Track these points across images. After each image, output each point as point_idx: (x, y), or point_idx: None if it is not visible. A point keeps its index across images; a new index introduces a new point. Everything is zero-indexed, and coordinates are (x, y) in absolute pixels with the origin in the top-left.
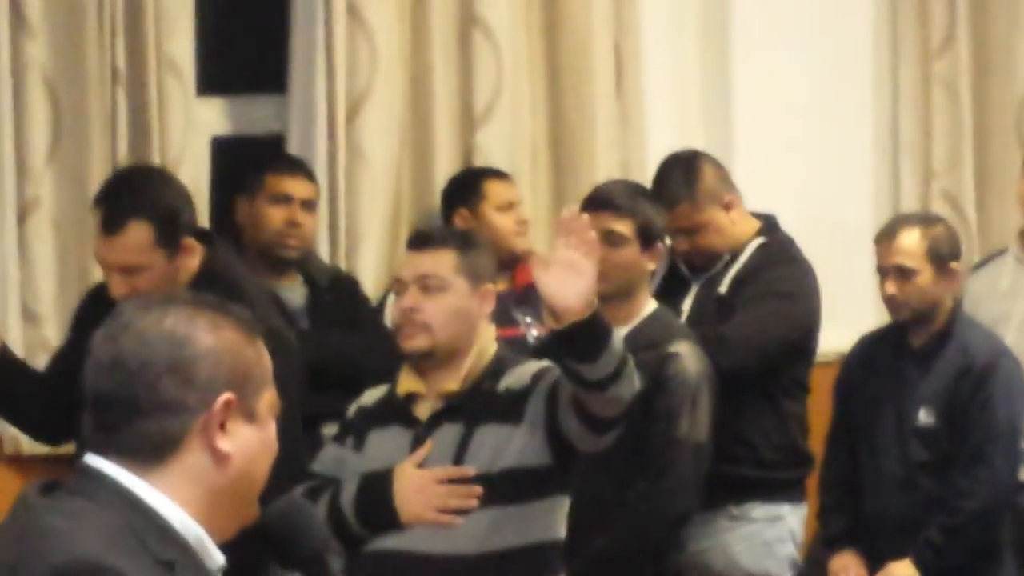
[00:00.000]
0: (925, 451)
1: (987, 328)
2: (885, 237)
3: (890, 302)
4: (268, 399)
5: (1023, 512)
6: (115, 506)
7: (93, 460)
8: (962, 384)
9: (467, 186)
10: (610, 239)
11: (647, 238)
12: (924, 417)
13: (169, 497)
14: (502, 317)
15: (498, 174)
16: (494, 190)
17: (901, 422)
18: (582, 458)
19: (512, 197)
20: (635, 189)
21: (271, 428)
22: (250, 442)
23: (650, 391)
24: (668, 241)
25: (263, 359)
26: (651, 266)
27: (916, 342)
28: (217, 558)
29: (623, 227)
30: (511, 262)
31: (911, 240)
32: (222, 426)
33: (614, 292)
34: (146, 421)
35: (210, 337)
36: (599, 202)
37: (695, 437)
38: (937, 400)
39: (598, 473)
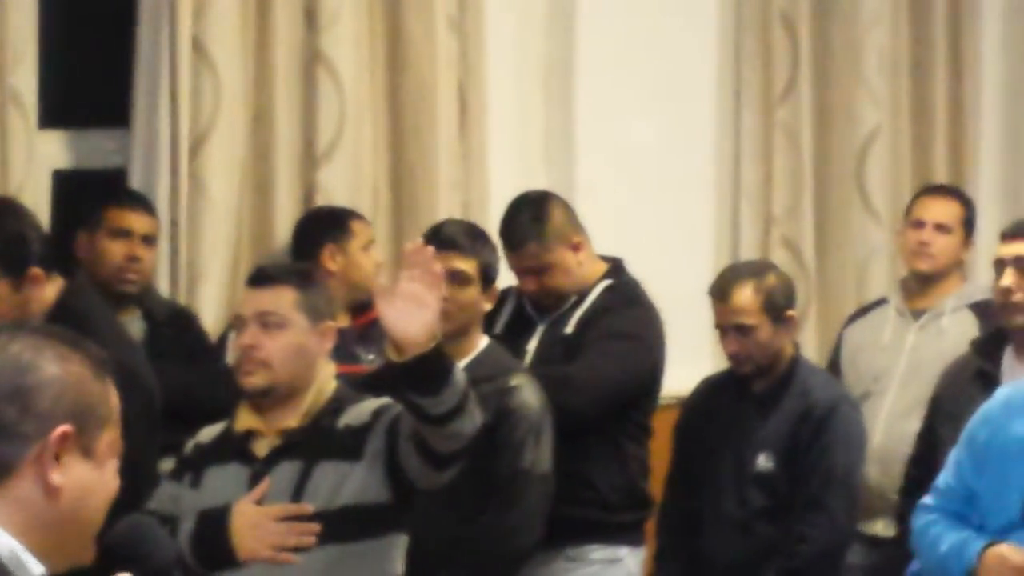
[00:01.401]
0: (763, 496)
1: (828, 374)
2: (719, 294)
3: (732, 358)
4: (109, 438)
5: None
6: None
7: None
8: (802, 429)
9: (335, 223)
10: (457, 279)
11: (487, 279)
12: (763, 462)
13: None
14: (344, 354)
15: (359, 215)
16: (360, 229)
17: (740, 467)
18: (424, 494)
19: (372, 238)
20: (475, 230)
21: (110, 468)
22: (84, 478)
23: (493, 424)
24: (517, 282)
25: (109, 398)
26: (488, 306)
27: (756, 387)
28: (34, 570)
29: (468, 267)
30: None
31: (745, 297)
32: (57, 458)
33: (454, 331)
34: None
35: (55, 368)
36: (445, 242)
37: (540, 468)
38: (776, 445)
39: (443, 507)
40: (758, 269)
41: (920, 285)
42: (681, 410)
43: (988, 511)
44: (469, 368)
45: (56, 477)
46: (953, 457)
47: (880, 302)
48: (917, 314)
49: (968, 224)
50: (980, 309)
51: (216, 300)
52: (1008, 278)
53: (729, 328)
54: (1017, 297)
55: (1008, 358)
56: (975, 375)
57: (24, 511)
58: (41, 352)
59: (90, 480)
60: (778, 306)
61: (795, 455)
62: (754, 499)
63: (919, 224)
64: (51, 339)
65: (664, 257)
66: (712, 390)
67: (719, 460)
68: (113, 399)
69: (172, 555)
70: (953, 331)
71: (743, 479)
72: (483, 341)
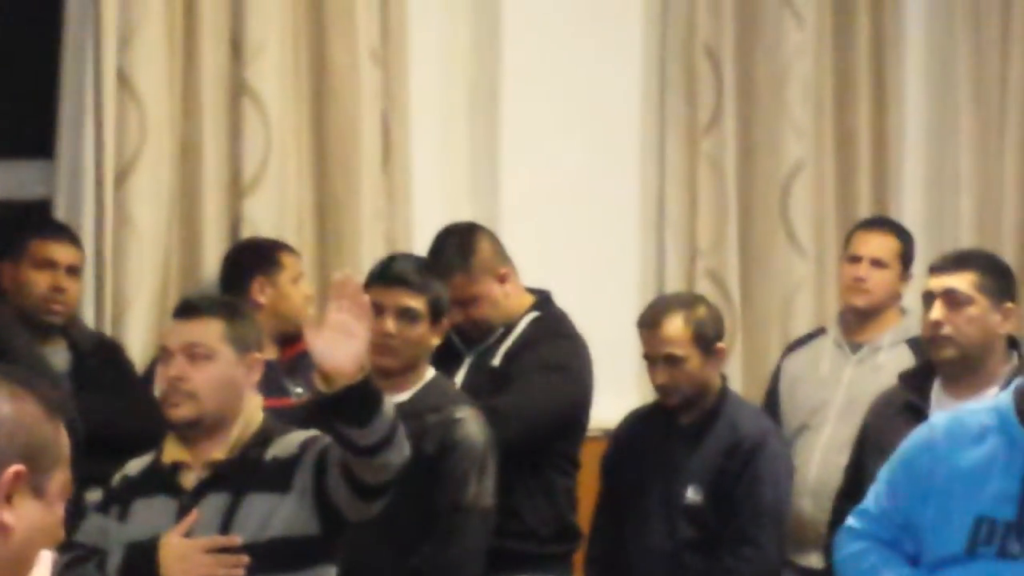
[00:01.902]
0: (692, 529)
1: (756, 407)
2: (649, 325)
3: (660, 389)
4: (60, 480)
5: None
6: None
7: None
8: (730, 462)
9: (265, 256)
10: (406, 316)
11: (436, 314)
12: (691, 495)
13: None
14: (272, 387)
15: (289, 247)
16: (289, 262)
17: (668, 499)
18: (364, 526)
19: (301, 270)
20: (423, 264)
21: (58, 510)
22: (34, 519)
23: (437, 456)
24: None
25: (60, 439)
26: (437, 341)
27: (684, 420)
28: None
29: (418, 304)
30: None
31: (675, 328)
32: (8, 498)
33: (403, 367)
34: None
35: (9, 407)
36: (394, 278)
37: (482, 503)
38: (705, 478)
39: (383, 539)
40: (688, 300)
41: (858, 318)
42: (609, 442)
43: (929, 541)
44: (415, 399)
45: (7, 516)
46: (886, 481)
47: (818, 332)
48: (855, 347)
49: (905, 257)
50: (917, 345)
51: (143, 331)
52: (937, 311)
53: (658, 359)
54: (946, 330)
55: (936, 391)
56: (903, 408)
57: None
58: None
59: (40, 520)
60: (708, 338)
61: (723, 488)
62: (683, 531)
63: (855, 259)
64: (5, 379)
65: (589, 289)
66: (640, 422)
67: (647, 492)
68: (64, 440)
69: None
70: (890, 366)
71: (671, 511)
72: (429, 372)
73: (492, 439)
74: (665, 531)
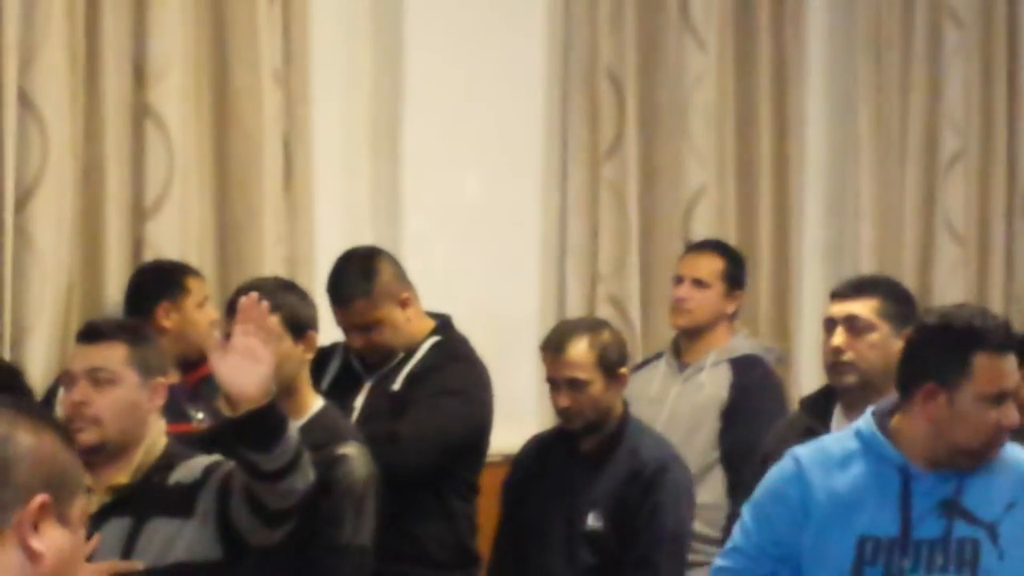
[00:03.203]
0: (593, 555)
1: (658, 433)
2: (553, 348)
3: (563, 413)
4: (80, 505)
5: None
6: None
7: None
8: (631, 488)
9: (170, 280)
10: None
11: (296, 329)
12: (592, 521)
13: None
14: (174, 412)
15: (194, 271)
16: (195, 286)
17: (570, 525)
18: (253, 553)
19: (207, 294)
20: (277, 283)
21: (81, 535)
22: (62, 545)
23: (316, 493)
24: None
25: (78, 466)
26: (307, 355)
27: (586, 446)
28: None
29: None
30: (203, 359)
31: (580, 351)
32: (35, 527)
33: (277, 391)
34: None
35: (31, 439)
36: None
37: (358, 541)
38: (606, 504)
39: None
40: (593, 325)
41: (688, 339)
42: (510, 468)
43: (811, 568)
44: (300, 432)
45: (37, 544)
46: (754, 517)
47: (660, 354)
48: (683, 367)
49: (731, 278)
50: (737, 364)
51: (44, 355)
52: (839, 338)
53: (561, 382)
54: (848, 356)
55: (837, 417)
56: (804, 434)
57: None
58: (16, 425)
59: (68, 546)
60: (612, 362)
61: (625, 514)
62: (583, 558)
63: (679, 280)
64: (22, 412)
65: (490, 313)
66: (541, 448)
67: (549, 518)
68: (80, 468)
69: None
70: (709, 385)
71: (572, 537)
72: (316, 403)
73: (374, 476)
74: (566, 557)
